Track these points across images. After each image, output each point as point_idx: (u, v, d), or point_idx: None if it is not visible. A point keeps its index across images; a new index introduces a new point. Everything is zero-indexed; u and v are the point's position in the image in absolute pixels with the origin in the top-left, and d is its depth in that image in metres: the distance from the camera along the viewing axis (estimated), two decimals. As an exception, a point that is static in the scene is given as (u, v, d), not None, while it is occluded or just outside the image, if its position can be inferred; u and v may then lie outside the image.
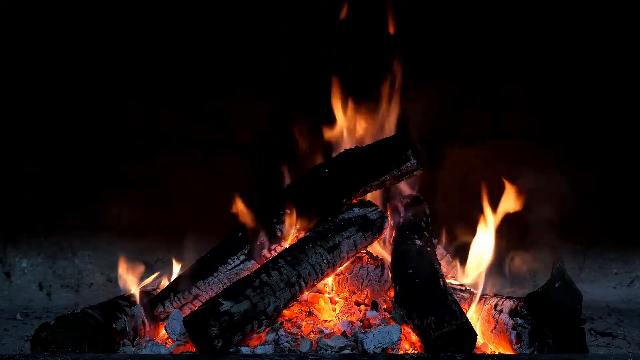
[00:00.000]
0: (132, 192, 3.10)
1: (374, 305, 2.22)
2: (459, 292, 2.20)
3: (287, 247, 2.20)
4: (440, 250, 2.43)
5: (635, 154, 3.09)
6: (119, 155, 3.12)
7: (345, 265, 2.26)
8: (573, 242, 3.16)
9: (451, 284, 2.25)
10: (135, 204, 3.08)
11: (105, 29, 3.01)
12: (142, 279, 2.38)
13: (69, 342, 1.88)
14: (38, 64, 3.04)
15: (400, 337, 1.91)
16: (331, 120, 2.56)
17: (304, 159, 2.55)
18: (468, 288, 2.25)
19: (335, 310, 2.25)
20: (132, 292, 2.24)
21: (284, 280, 2.01)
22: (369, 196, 2.36)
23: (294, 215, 2.24)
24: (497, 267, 2.95)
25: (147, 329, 2.18)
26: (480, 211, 2.36)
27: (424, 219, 2.40)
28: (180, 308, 2.20)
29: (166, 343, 2.10)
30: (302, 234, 2.24)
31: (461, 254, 2.49)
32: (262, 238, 2.24)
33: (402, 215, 2.41)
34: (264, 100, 3.07)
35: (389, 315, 2.13)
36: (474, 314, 2.12)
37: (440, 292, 1.96)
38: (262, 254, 2.23)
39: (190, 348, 1.97)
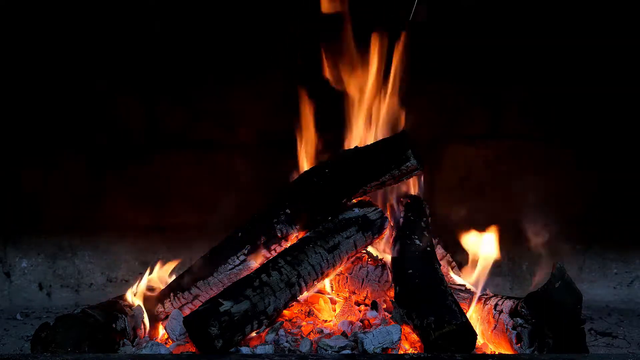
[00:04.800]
0: (132, 192, 3.09)
1: (374, 305, 2.22)
2: (459, 292, 2.20)
3: (287, 247, 2.20)
4: (440, 250, 2.43)
5: (635, 154, 3.09)
6: (119, 155, 3.12)
7: (345, 265, 2.26)
8: (573, 242, 3.16)
9: (451, 284, 2.25)
10: (135, 203, 3.08)
11: (104, 29, 3.01)
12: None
13: (68, 342, 1.88)
14: (38, 64, 3.04)
15: (400, 337, 1.91)
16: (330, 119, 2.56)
17: (305, 158, 2.55)
18: (468, 288, 2.25)
19: (335, 310, 2.25)
20: (129, 298, 2.23)
21: (284, 280, 2.01)
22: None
23: (294, 215, 2.24)
24: (497, 267, 2.96)
25: (147, 329, 2.18)
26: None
27: (424, 219, 2.39)
28: (180, 308, 2.20)
29: (166, 343, 2.10)
30: (302, 234, 2.24)
31: (461, 254, 2.49)
32: (262, 238, 2.24)
33: (402, 215, 2.41)
34: (264, 99, 3.07)
35: (389, 315, 2.13)
36: (474, 314, 2.12)
37: (440, 292, 1.96)
38: (262, 254, 2.23)
39: (190, 348, 1.97)
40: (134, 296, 2.22)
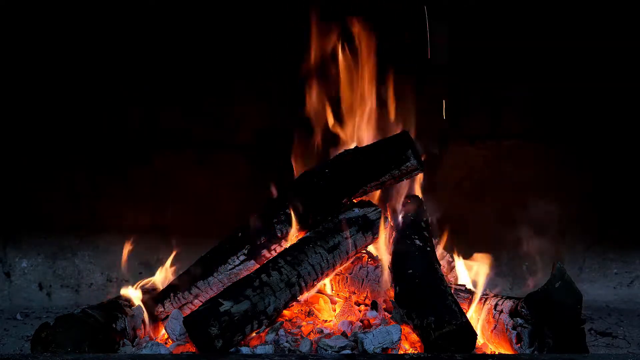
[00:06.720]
0: (132, 192, 3.10)
1: (374, 305, 2.22)
2: (459, 292, 2.19)
3: (287, 247, 2.20)
4: (440, 251, 2.44)
5: (634, 154, 3.09)
6: (119, 155, 3.12)
7: (345, 265, 2.26)
8: (573, 242, 3.16)
9: (451, 284, 2.25)
10: (135, 203, 3.08)
11: (105, 29, 3.01)
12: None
13: (69, 342, 1.88)
14: (38, 63, 3.04)
15: (400, 337, 1.91)
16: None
17: (305, 158, 2.55)
18: (468, 288, 2.25)
19: (335, 310, 2.25)
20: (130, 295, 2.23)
21: (284, 280, 2.01)
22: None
23: (294, 215, 2.24)
24: (497, 267, 2.96)
25: (147, 329, 2.18)
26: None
27: (424, 219, 2.40)
28: (180, 308, 2.20)
29: (166, 343, 2.10)
30: (302, 234, 2.24)
31: (461, 253, 2.49)
32: (262, 238, 2.24)
33: (402, 215, 2.41)
34: (264, 100, 3.07)
35: (389, 315, 2.13)
36: (474, 314, 2.12)
37: (440, 292, 1.96)
38: (262, 254, 2.23)
39: (190, 348, 1.97)
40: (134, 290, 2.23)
